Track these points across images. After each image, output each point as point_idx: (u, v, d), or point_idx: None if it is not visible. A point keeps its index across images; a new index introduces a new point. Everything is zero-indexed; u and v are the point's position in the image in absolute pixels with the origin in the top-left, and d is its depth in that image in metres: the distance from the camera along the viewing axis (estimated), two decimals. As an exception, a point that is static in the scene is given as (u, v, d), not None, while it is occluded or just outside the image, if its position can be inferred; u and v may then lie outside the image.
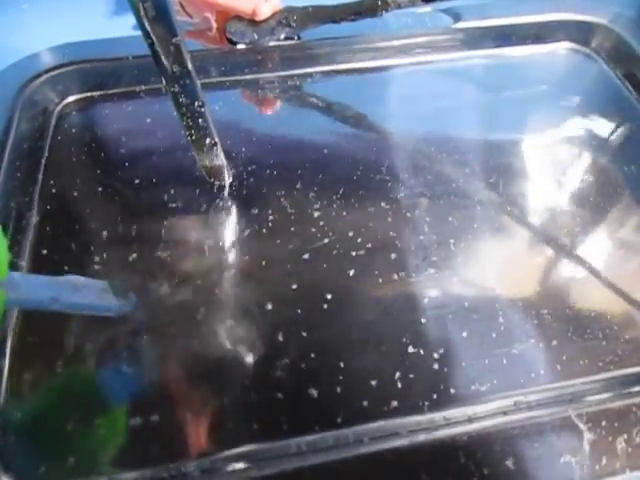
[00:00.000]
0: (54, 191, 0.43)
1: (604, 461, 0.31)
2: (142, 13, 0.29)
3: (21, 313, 0.36)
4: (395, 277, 0.39)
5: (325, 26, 0.50)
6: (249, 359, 0.35)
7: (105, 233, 0.40)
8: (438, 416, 0.33)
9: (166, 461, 0.31)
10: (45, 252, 0.39)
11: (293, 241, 0.40)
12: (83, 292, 0.32)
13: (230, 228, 0.41)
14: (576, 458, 0.31)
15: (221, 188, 0.43)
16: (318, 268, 0.39)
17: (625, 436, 0.32)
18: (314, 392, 0.33)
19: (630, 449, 0.32)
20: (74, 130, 0.47)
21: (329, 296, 0.37)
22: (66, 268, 0.38)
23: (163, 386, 0.34)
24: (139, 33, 0.30)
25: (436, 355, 0.35)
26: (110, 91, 0.50)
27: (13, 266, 0.38)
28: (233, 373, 0.34)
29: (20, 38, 0.52)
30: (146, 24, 0.29)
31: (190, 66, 0.32)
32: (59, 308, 0.30)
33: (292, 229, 0.41)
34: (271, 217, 0.41)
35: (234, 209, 0.42)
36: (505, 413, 0.33)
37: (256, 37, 0.51)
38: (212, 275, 0.38)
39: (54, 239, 0.40)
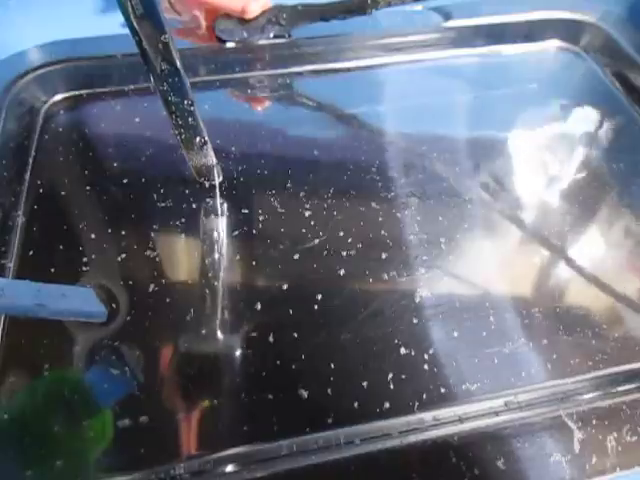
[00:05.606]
0: (41, 191, 0.42)
1: (594, 460, 0.31)
2: (129, 10, 0.28)
3: (8, 317, 0.36)
4: (386, 277, 0.38)
5: (315, 24, 0.50)
6: (239, 360, 0.34)
7: (93, 234, 0.40)
8: (428, 416, 0.33)
9: (155, 464, 0.31)
10: (32, 253, 0.39)
11: (283, 241, 0.40)
12: (69, 298, 0.31)
13: (220, 228, 0.41)
14: (567, 457, 0.31)
15: (211, 187, 0.43)
16: (309, 268, 0.39)
17: (615, 434, 0.32)
18: (304, 393, 0.33)
19: (620, 447, 0.32)
20: (62, 129, 0.47)
21: (320, 296, 0.37)
22: (53, 270, 0.37)
23: (152, 388, 0.33)
24: (128, 31, 0.30)
25: (427, 355, 0.35)
26: (98, 90, 0.50)
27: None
28: (223, 374, 0.34)
29: (7, 35, 0.51)
30: (133, 21, 0.29)
31: (179, 64, 0.32)
32: (45, 315, 0.29)
33: (282, 229, 0.41)
34: (261, 217, 0.41)
35: (224, 209, 0.42)
36: (496, 413, 0.33)
37: (246, 35, 0.51)
38: (202, 275, 0.38)
39: (41, 240, 0.39)
